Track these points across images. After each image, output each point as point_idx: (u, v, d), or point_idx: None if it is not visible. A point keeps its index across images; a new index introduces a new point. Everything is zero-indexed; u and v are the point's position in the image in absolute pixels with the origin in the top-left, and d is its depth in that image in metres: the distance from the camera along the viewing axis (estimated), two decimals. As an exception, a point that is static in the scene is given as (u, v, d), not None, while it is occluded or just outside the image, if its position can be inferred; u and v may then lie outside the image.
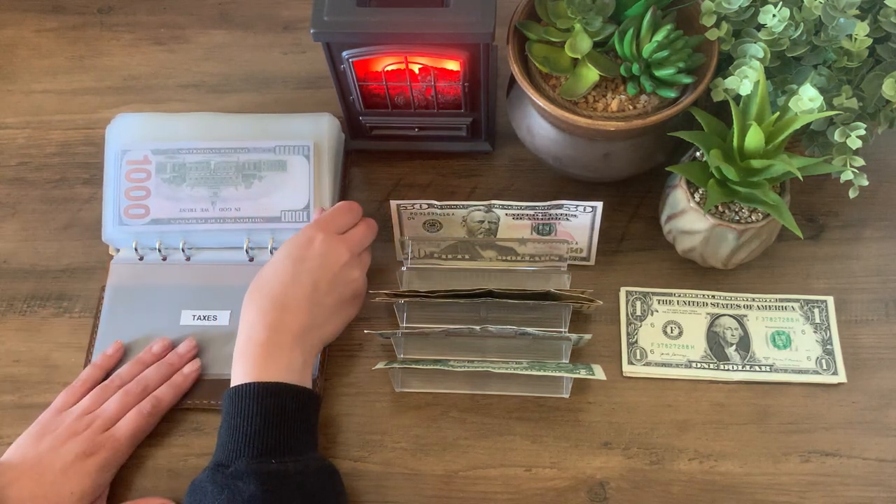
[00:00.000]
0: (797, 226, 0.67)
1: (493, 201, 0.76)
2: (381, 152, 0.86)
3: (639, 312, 0.76)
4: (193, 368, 0.74)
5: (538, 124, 0.75)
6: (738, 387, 0.73)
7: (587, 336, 0.72)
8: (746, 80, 0.66)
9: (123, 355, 0.75)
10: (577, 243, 0.78)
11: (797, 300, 0.76)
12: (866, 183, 0.67)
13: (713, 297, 0.77)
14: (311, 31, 0.70)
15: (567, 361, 0.74)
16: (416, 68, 0.75)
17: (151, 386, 0.72)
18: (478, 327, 0.71)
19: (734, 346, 0.75)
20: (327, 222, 0.73)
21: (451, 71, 0.75)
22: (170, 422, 0.73)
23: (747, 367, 0.74)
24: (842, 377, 0.73)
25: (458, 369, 0.71)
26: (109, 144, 0.81)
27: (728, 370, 0.74)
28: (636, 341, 0.75)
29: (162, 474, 0.71)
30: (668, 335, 0.75)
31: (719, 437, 0.71)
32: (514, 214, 0.76)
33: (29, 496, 0.64)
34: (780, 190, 0.71)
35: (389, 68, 0.75)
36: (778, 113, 0.66)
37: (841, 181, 0.68)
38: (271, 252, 0.79)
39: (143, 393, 0.72)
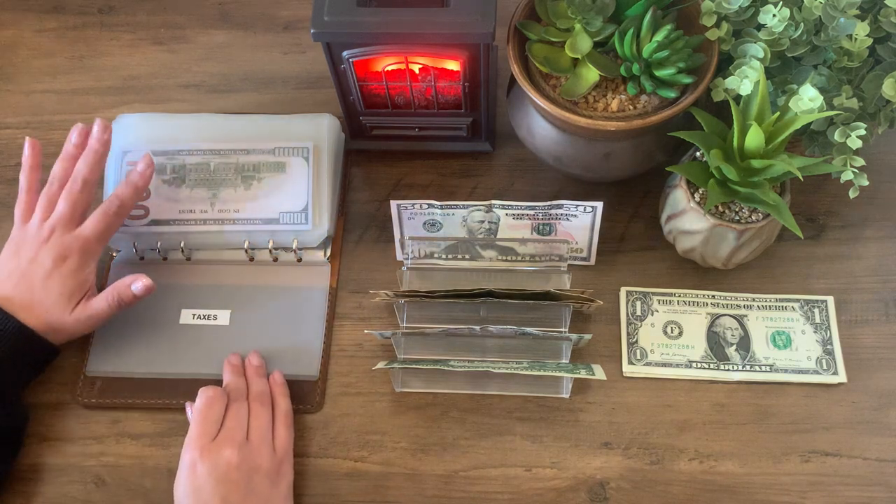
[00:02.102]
0: (797, 226, 0.67)
1: (493, 201, 0.76)
2: (381, 152, 0.86)
3: (639, 312, 0.76)
4: (146, 164, 0.76)
5: (538, 124, 0.75)
6: (738, 387, 0.73)
7: (587, 336, 0.72)
8: (746, 80, 0.66)
9: (40, 149, 0.77)
10: (577, 243, 0.78)
11: (797, 300, 0.76)
12: (866, 183, 0.67)
13: (713, 297, 0.77)
14: (311, 31, 0.70)
15: (567, 361, 0.74)
16: (416, 68, 0.75)
17: (88, 178, 0.74)
18: (478, 327, 0.71)
19: (734, 346, 0.75)
20: (199, 435, 0.67)
21: (451, 71, 0.75)
22: (169, 422, 0.74)
23: (747, 367, 0.74)
24: (842, 377, 0.73)
25: (458, 369, 0.71)
26: (111, 144, 0.81)
27: (728, 370, 0.74)
28: (636, 341, 0.75)
29: (162, 474, 0.71)
30: (669, 335, 0.75)
31: (719, 437, 0.71)
32: (514, 214, 0.76)
33: (29, 305, 0.70)
34: (780, 190, 0.71)
35: (389, 68, 0.75)
36: (778, 113, 0.66)
37: (841, 181, 0.68)
38: (270, 252, 0.79)
39: (84, 187, 0.74)
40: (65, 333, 0.72)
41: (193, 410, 0.69)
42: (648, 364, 0.74)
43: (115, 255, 0.81)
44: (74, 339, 0.74)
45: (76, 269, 0.72)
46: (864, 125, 0.66)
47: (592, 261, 0.79)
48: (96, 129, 0.76)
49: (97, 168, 0.75)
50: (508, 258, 0.79)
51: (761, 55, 0.67)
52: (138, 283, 0.73)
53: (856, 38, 0.65)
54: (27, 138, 0.77)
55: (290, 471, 0.69)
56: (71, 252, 0.72)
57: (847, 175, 0.67)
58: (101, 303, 0.73)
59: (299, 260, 0.80)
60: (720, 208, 0.71)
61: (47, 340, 0.71)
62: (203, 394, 0.69)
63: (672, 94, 0.70)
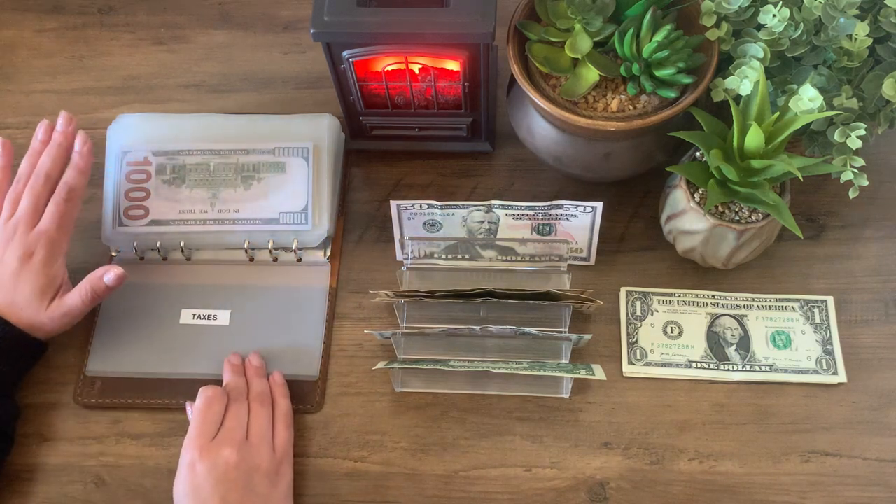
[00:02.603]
0: (797, 226, 0.67)
1: (493, 201, 0.76)
2: (381, 152, 0.86)
3: (639, 312, 0.76)
4: (83, 141, 0.76)
5: (538, 124, 0.75)
6: (738, 387, 0.73)
7: (587, 336, 0.72)
8: (746, 80, 0.66)
9: (11, 150, 0.77)
10: (577, 243, 0.78)
11: (797, 300, 0.76)
12: (866, 183, 0.67)
13: (713, 297, 0.77)
14: (311, 31, 0.70)
15: (567, 361, 0.74)
16: (416, 68, 0.75)
17: (51, 171, 0.74)
18: (478, 327, 0.71)
19: (734, 346, 0.75)
20: (199, 434, 0.67)
21: (451, 71, 0.75)
22: (169, 422, 0.74)
23: (747, 367, 0.74)
24: (842, 377, 0.73)
25: (458, 369, 0.71)
26: (110, 145, 0.81)
27: (728, 370, 0.74)
28: (636, 341, 0.75)
29: (162, 474, 0.71)
30: (668, 335, 0.75)
31: (719, 437, 0.71)
32: (514, 214, 0.76)
33: (3, 304, 0.70)
34: (780, 190, 0.71)
35: (389, 68, 0.75)
36: (778, 113, 0.66)
37: (841, 181, 0.68)
38: (270, 253, 0.79)
39: (47, 181, 0.74)
40: (43, 331, 0.72)
41: (193, 410, 0.69)
42: (648, 364, 0.74)
43: (114, 255, 0.81)
44: (54, 335, 0.74)
45: (44, 264, 0.71)
46: (864, 125, 0.66)
47: (592, 261, 0.79)
48: (60, 121, 0.76)
49: (61, 162, 0.75)
50: (508, 258, 0.79)
51: (761, 55, 0.67)
52: (110, 274, 0.73)
53: (856, 38, 0.65)
54: None
55: (289, 471, 0.69)
56: (35, 248, 0.71)
57: (847, 175, 0.67)
58: (74, 298, 0.72)
59: (299, 260, 0.80)
60: (720, 208, 0.71)
61: (32, 336, 0.72)
62: (203, 393, 0.69)
63: (672, 94, 0.70)
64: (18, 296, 0.71)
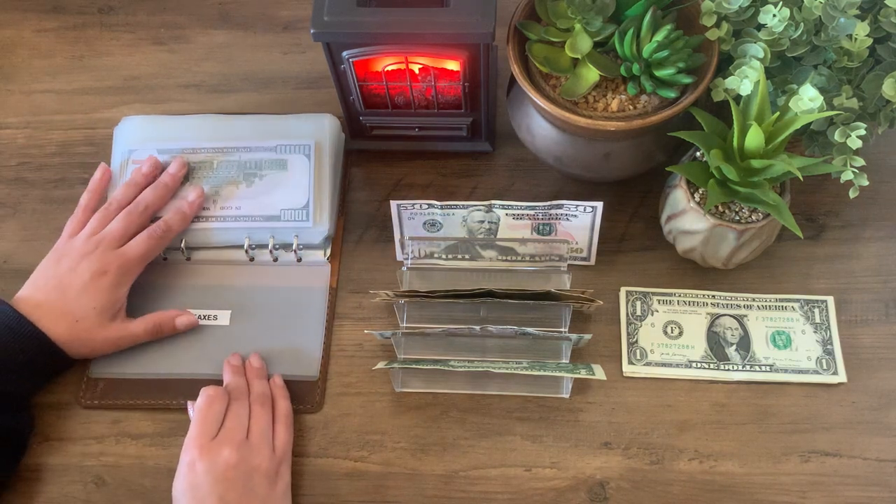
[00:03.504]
0: (797, 226, 0.67)
1: (493, 201, 0.76)
2: (381, 152, 0.86)
3: (639, 312, 0.76)
4: (197, 195, 0.78)
5: (538, 124, 0.75)
6: (738, 387, 0.73)
7: (587, 336, 0.72)
8: (746, 80, 0.66)
9: (111, 177, 0.80)
10: (577, 243, 0.78)
11: (797, 300, 0.76)
12: (866, 183, 0.67)
13: (713, 297, 0.77)
14: (311, 31, 0.70)
15: (567, 361, 0.74)
16: (416, 68, 0.75)
17: (151, 206, 0.77)
18: (478, 327, 0.71)
19: (734, 346, 0.75)
20: (199, 433, 0.67)
21: (451, 71, 0.75)
22: (169, 422, 0.74)
23: (747, 367, 0.74)
24: (842, 377, 0.73)
25: (458, 369, 0.71)
26: (117, 144, 0.82)
27: (728, 370, 0.74)
28: (636, 341, 0.75)
29: (162, 474, 0.71)
30: (669, 335, 0.75)
31: (719, 437, 0.71)
32: (514, 214, 0.76)
33: (59, 313, 0.71)
34: (780, 190, 0.71)
35: (389, 68, 0.75)
36: (778, 113, 0.66)
37: (841, 181, 0.68)
38: (271, 252, 0.79)
39: (144, 212, 0.76)
40: (89, 347, 0.73)
41: (194, 409, 0.69)
42: (648, 364, 0.74)
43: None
44: (95, 356, 0.75)
45: (112, 286, 0.73)
46: (864, 125, 0.66)
47: (592, 261, 0.79)
48: (174, 165, 0.79)
49: (162, 201, 0.78)
50: (508, 258, 0.79)
51: (761, 55, 0.67)
52: (183, 318, 0.76)
53: (856, 38, 0.65)
54: (101, 164, 0.80)
55: (288, 472, 0.69)
56: (110, 268, 0.73)
57: (847, 175, 0.67)
58: (138, 327, 0.74)
59: (299, 260, 0.80)
60: (720, 208, 0.71)
61: (64, 351, 0.72)
62: (204, 393, 0.69)
63: (672, 94, 0.70)
64: (78, 308, 0.71)
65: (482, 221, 0.77)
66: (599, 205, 0.74)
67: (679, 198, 0.72)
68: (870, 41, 0.65)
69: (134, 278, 0.75)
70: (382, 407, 0.74)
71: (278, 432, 0.70)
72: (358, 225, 0.83)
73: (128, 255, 0.74)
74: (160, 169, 0.79)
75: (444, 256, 0.79)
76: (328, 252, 0.80)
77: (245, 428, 0.69)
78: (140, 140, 0.81)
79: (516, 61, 0.72)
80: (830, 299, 0.76)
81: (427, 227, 0.78)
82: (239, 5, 0.97)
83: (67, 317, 0.71)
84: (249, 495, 0.65)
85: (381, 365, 0.72)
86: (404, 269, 0.79)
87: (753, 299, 0.77)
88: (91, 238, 0.74)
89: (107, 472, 0.72)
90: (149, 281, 0.79)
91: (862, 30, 0.64)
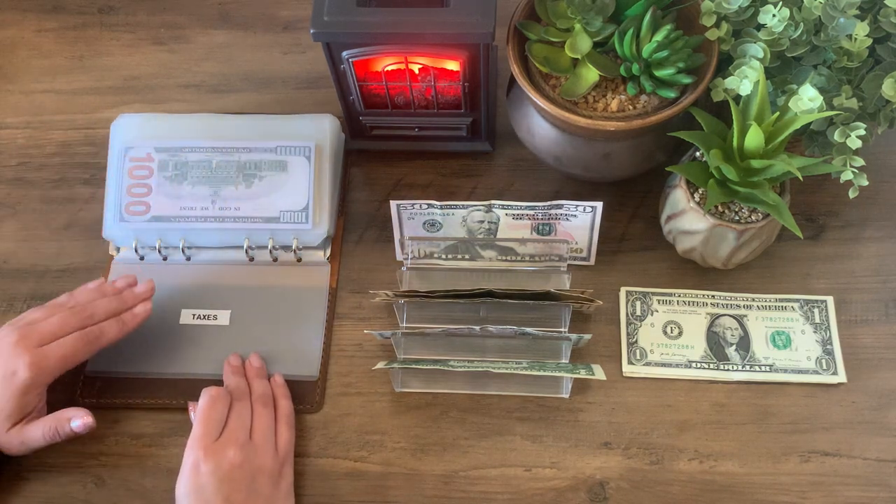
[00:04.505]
0: (797, 226, 0.67)
1: (493, 201, 0.76)
2: (381, 152, 0.86)
3: (639, 312, 0.76)
4: (144, 309, 0.73)
5: (538, 124, 0.75)
6: (738, 387, 0.73)
7: (587, 336, 0.72)
8: (746, 80, 0.66)
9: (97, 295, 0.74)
10: (577, 243, 0.78)
11: (797, 300, 0.76)
12: (866, 183, 0.67)
13: (713, 297, 0.77)
14: (311, 31, 0.70)
15: (567, 361, 0.74)
16: (416, 68, 0.75)
17: (98, 315, 0.71)
18: (478, 327, 0.71)
19: (734, 346, 0.75)
20: (203, 434, 0.66)
21: (451, 71, 0.75)
22: (169, 422, 0.74)
23: (747, 367, 0.74)
24: (842, 377, 0.73)
25: (458, 369, 0.71)
26: (113, 141, 0.81)
27: (728, 370, 0.74)
28: (636, 341, 0.75)
29: (162, 474, 0.71)
30: (668, 335, 0.75)
31: (719, 437, 0.71)
32: (514, 214, 0.76)
33: None
34: (780, 190, 0.71)
35: (389, 68, 0.75)
36: (778, 113, 0.66)
37: (841, 181, 0.68)
38: (271, 252, 0.79)
39: (87, 319, 0.70)
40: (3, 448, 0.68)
41: (197, 410, 0.69)
42: (648, 364, 0.74)
43: (114, 255, 0.81)
44: (11, 454, 0.69)
45: (20, 390, 0.66)
46: (864, 125, 0.66)
47: (592, 261, 0.79)
48: (143, 286, 0.74)
49: (110, 315, 0.72)
50: (508, 258, 0.79)
51: (761, 55, 0.67)
52: (78, 421, 0.68)
53: (856, 38, 0.65)
54: (101, 280, 0.75)
55: (290, 471, 0.69)
56: (20, 368, 0.66)
57: (847, 175, 0.67)
58: (35, 432, 0.68)
59: (299, 260, 0.80)
60: (720, 208, 0.71)
61: None
62: (206, 394, 0.69)
63: (672, 94, 0.70)
64: None
65: (482, 221, 0.77)
66: (599, 205, 0.74)
67: (679, 198, 0.72)
68: (870, 41, 0.65)
69: (48, 381, 0.68)
70: (382, 407, 0.74)
71: (281, 432, 0.70)
72: (358, 225, 0.83)
73: (48, 354, 0.67)
74: (133, 285, 0.75)
75: (443, 256, 0.79)
76: (328, 252, 0.81)
77: (248, 428, 0.69)
78: (137, 137, 0.81)
79: (516, 61, 0.72)
80: (830, 299, 0.76)
81: (427, 227, 0.78)
82: (239, 5, 0.97)
83: None
84: (254, 496, 0.65)
85: (381, 365, 0.72)
86: (404, 269, 0.79)
87: (753, 299, 0.77)
88: (25, 326, 0.68)
89: (107, 472, 0.72)
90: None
91: (862, 30, 0.64)
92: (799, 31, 0.66)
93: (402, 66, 0.74)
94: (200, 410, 0.68)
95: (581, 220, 0.76)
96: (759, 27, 0.67)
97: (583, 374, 0.70)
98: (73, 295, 0.73)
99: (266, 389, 0.72)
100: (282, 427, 0.71)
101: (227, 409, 0.69)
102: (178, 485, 0.66)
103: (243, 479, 0.65)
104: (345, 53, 0.73)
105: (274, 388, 0.73)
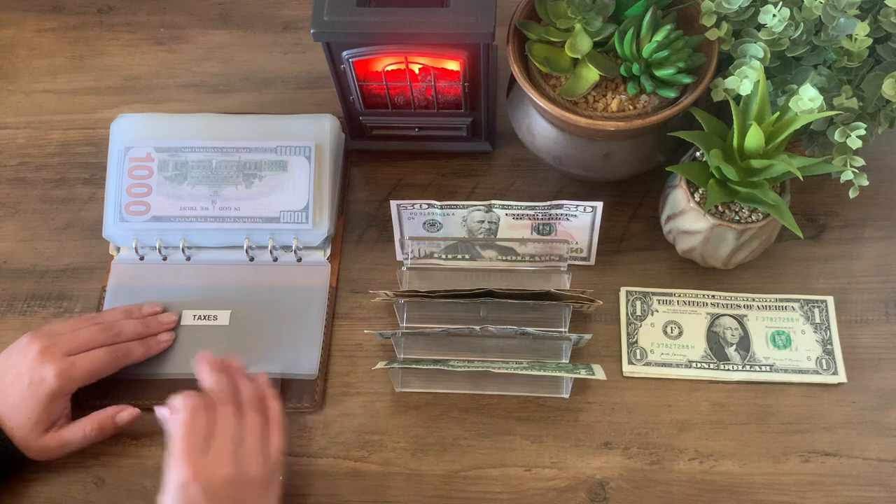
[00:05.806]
0: (797, 226, 0.67)
1: (493, 201, 0.76)
2: (381, 152, 0.86)
3: (639, 312, 0.76)
4: (169, 338, 0.76)
5: (538, 124, 0.75)
6: (738, 387, 0.73)
7: (587, 336, 0.72)
8: (746, 80, 0.66)
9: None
10: (577, 243, 0.78)
11: (797, 300, 0.76)
12: (866, 183, 0.67)
13: (713, 297, 0.77)
14: (311, 31, 0.70)
15: (567, 361, 0.74)
16: (416, 68, 0.75)
17: (125, 334, 0.73)
18: (478, 327, 0.71)
19: (734, 346, 0.75)
20: (188, 448, 0.63)
21: (451, 71, 0.75)
22: (170, 422, 0.74)
23: (747, 367, 0.74)
24: (842, 377, 0.73)
25: (458, 369, 0.71)
26: (113, 141, 0.81)
27: (728, 370, 0.74)
28: (636, 341, 0.75)
29: (162, 473, 0.71)
30: (668, 335, 0.75)
31: (719, 437, 0.71)
32: (514, 214, 0.76)
33: (3, 414, 0.67)
34: (780, 190, 0.71)
35: (389, 68, 0.75)
36: (778, 113, 0.66)
37: (841, 181, 0.68)
38: (271, 252, 0.79)
39: (115, 336, 0.72)
40: (30, 454, 0.69)
41: (177, 422, 0.64)
42: (648, 364, 0.74)
43: (114, 255, 0.81)
44: (41, 460, 0.70)
45: (49, 398, 0.67)
46: (864, 125, 0.66)
47: (592, 261, 0.79)
48: (167, 315, 0.77)
49: (136, 337, 0.74)
50: (508, 258, 0.79)
51: (761, 55, 0.67)
52: (124, 413, 0.71)
53: (856, 38, 0.65)
54: (125, 307, 0.77)
55: (279, 474, 0.66)
56: (50, 376, 0.67)
57: (847, 175, 0.67)
58: (76, 432, 0.69)
59: (299, 260, 0.80)
60: (720, 208, 0.71)
61: (21, 453, 0.68)
62: (185, 403, 0.64)
63: (672, 94, 0.70)
64: (15, 416, 0.67)
65: (482, 221, 0.77)
66: (599, 205, 0.74)
67: (679, 198, 0.72)
68: (870, 41, 0.65)
69: (73, 390, 0.69)
70: (382, 407, 0.74)
71: (272, 438, 0.66)
72: (358, 225, 0.83)
73: (76, 364, 0.69)
74: (158, 313, 0.77)
75: (444, 256, 0.79)
76: (328, 252, 0.81)
77: (237, 437, 0.64)
78: (137, 137, 0.81)
79: (516, 61, 0.72)
80: (830, 299, 0.76)
81: (427, 227, 0.78)
82: (239, 5, 0.97)
83: (9, 421, 0.67)
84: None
85: (381, 365, 0.72)
86: (404, 269, 0.79)
87: (753, 299, 0.77)
88: (48, 335, 0.69)
89: (106, 472, 0.72)
90: (149, 281, 0.79)
91: (862, 30, 0.64)
92: (799, 31, 0.66)
93: (402, 66, 0.74)
94: (183, 423, 0.63)
95: (581, 220, 0.76)
96: (760, 27, 0.67)
97: (583, 374, 0.70)
98: (100, 314, 0.75)
99: (255, 392, 0.68)
100: (274, 432, 0.66)
101: (209, 416, 0.64)
102: (163, 501, 0.62)
103: (235, 494, 0.62)
104: (345, 53, 0.73)
105: (261, 390, 0.70)
